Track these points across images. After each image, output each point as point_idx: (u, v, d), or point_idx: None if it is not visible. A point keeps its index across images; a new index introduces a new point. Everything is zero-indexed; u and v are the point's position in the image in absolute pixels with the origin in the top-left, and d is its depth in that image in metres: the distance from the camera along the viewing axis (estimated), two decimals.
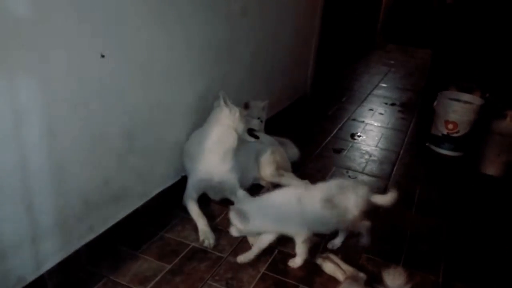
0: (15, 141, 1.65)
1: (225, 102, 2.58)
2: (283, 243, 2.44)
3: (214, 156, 2.57)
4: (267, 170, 2.95)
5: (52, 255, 1.98)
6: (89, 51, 1.87)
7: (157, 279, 2.11)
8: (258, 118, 3.19)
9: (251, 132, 2.82)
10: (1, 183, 1.63)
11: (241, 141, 2.71)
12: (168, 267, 2.18)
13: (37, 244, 1.88)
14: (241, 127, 2.64)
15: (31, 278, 1.88)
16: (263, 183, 3.01)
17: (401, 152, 3.94)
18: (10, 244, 1.76)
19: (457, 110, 3.88)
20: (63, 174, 1.88)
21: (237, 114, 2.61)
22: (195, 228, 2.48)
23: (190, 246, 2.36)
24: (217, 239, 2.41)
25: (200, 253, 2.24)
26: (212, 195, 2.78)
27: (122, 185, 2.31)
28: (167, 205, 2.65)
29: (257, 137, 2.80)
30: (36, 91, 1.68)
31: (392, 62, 8.13)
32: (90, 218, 2.13)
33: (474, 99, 4.05)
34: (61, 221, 1.95)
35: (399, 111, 5.18)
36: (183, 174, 2.80)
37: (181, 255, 2.28)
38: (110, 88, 2.04)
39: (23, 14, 1.54)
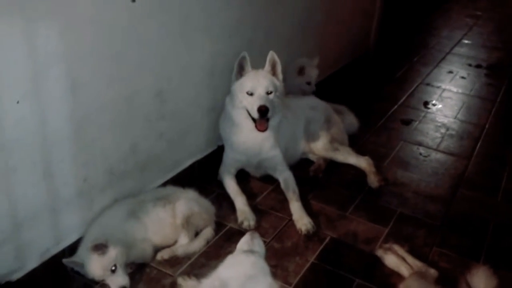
0: (35, 97, 1.70)
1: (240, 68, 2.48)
2: (335, 229, 2.44)
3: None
4: (319, 143, 2.94)
5: (73, 230, 2.07)
6: None
7: (190, 261, 2.18)
8: (308, 83, 3.21)
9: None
10: (19, 143, 1.71)
11: (286, 106, 2.67)
12: (202, 249, 2.24)
13: (57, 217, 1.96)
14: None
15: (50, 253, 1.99)
16: (313, 158, 3.00)
17: (487, 126, 3.81)
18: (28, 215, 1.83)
19: None
20: (85, 137, 1.95)
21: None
22: (232, 207, 2.51)
23: (227, 227, 2.40)
24: (258, 221, 2.42)
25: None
26: (252, 171, 2.79)
27: (150, 153, 2.36)
28: (201, 178, 2.69)
29: None
30: (58, 40, 1.72)
31: (479, 13, 7.74)
32: (114, 189, 2.20)
33: None
34: (83, 191, 2.02)
35: (486, 74, 5.02)
36: (220, 144, 2.81)
37: (217, 236, 2.33)
38: (140, 39, 2.07)
39: None
